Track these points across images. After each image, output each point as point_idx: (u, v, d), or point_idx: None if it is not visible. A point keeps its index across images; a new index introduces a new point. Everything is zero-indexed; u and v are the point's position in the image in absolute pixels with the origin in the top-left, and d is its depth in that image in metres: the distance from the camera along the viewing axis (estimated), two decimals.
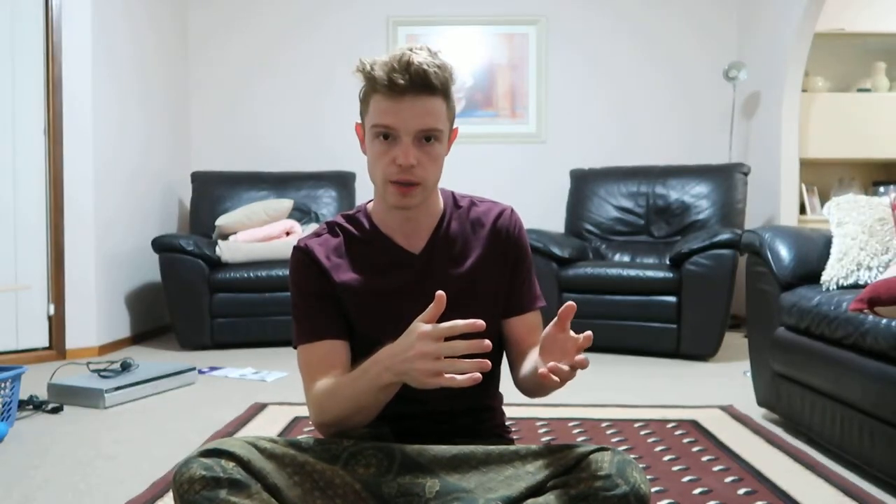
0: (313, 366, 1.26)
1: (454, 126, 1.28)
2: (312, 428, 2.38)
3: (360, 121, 1.28)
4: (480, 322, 1.03)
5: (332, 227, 1.33)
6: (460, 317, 1.25)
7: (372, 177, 1.25)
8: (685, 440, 2.29)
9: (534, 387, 1.25)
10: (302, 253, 1.30)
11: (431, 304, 1.07)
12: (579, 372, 1.12)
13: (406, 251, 1.29)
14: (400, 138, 1.18)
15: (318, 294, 1.28)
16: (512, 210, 1.36)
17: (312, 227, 4.27)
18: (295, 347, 1.30)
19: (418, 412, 1.28)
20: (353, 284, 1.28)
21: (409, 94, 1.16)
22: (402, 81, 1.15)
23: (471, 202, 1.36)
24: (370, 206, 1.34)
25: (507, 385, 1.37)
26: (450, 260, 1.29)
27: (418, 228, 1.29)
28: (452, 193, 1.36)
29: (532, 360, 1.22)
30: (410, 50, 1.18)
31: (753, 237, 2.52)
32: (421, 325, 1.06)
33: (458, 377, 1.02)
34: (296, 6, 4.95)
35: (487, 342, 1.03)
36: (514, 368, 1.32)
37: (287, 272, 1.35)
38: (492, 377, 1.37)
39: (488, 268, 1.30)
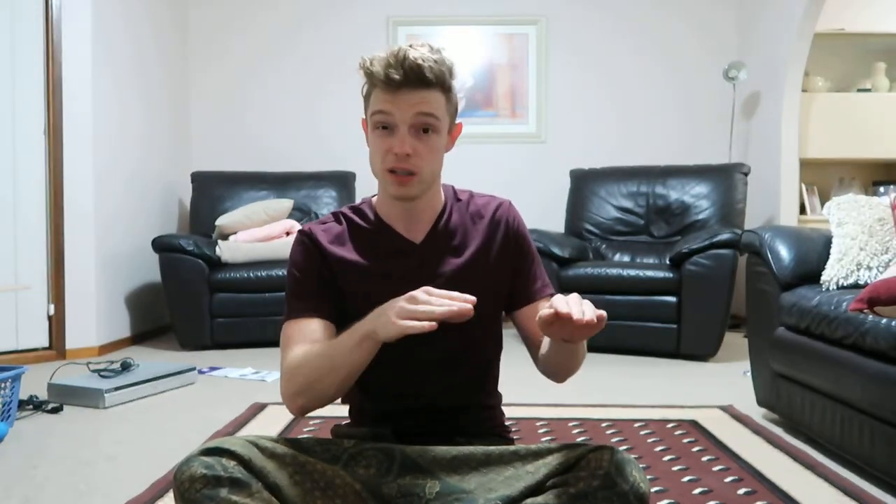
0: (294, 339, 1.24)
1: (457, 122, 1.29)
2: (313, 428, 2.39)
3: (364, 116, 1.30)
4: (472, 299, 1.07)
5: (336, 216, 1.36)
6: None
7: (372, 167, 1.27)
8: (685, 440, 2.29)
9: (556, 363, 1.26)
10: (305, 236, 1.32)
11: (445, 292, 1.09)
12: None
13: (407, 240, 1.31)
14: (397, 127, 1.20)
15: (315, 276, 1.29)
16: (510, 203, 1.39)
17: None
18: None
19: (417, 409, 1.28)
20: (354, 270, 1.29)
21: (404, 88, 1.18)
22: (396, 76, 1.17)
23: (470, 195, 1.39)
24: (374, 198, 1.37)
25: (506, 385, 1.37)
26: (449, 250, 1.31)
27: (420, 220, 1.31)
28: (453, 188, 1.39)
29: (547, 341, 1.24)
30: (410, 46, 1.20)
31: (753, 237, 2.52)
32: (424, 287, 1.10)
33: (418, 324, 1.04)
34: (296, 6, 4.95)
35: (472, 298, 1.07)
36: (535, 355, 1.33)
37: (286, 271, 1.36)
38: (490, 375, 1.38)
39: (487, 259, 1.32)
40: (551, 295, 1.36)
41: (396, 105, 1.19)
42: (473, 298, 1.07)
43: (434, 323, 1.04)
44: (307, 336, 1.24)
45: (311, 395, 1.20)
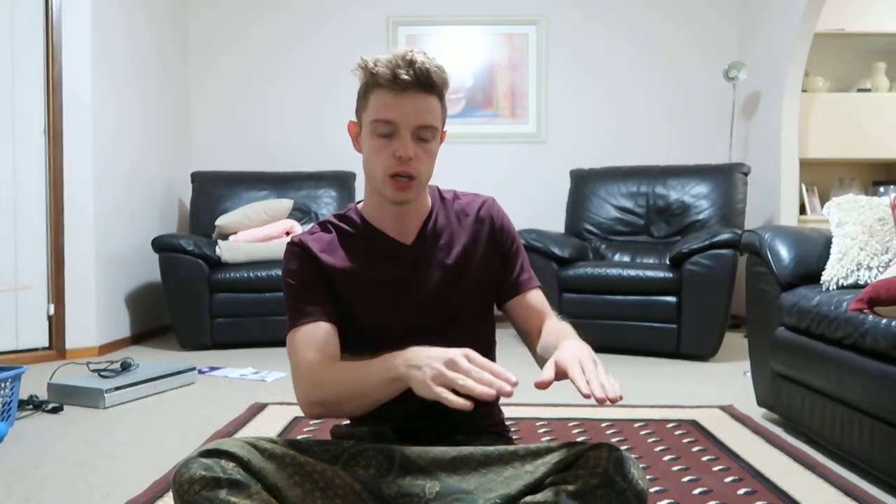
0: (306, 344, 1.25)
1: (444, 128, 1.31)
2: (313, 428, 2.39)
3: (354, 119, 1.31)
4: (514, 380, 0.99)
5: (324, 225, 1.36)
6: (449, 304, 1.31)
7: (369, 172, 1.27)
8: (685, 440, 2.29)
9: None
10: (297, 246, 1.32)
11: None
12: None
13: (398, 243, 1.32)
14: (399, 133, 1.21)
15: (314, 282, 1.29)
16: (493, 200, 1.42)
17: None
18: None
19: (415, 408, 1.28)
20: (349, 275, 1.30)
21: (410, 90, 1.20)
22: (405, 77, 1.19)
23: (454, 195, 1.41)
24: (360, 205, 1.37)
25: None
26: (439, 251, 1.33)
27: (409, 223, 1.33)
28: (437, 188, 1.40)
29: (547, 341, 1.26)
30: (411, 51, 1.22)
31: (753, 237, 2.52)
32: (465, 350, 1.04)
33: (453, 398, 0.98)
34: (296, 7, 4.96)
35: (514, 380, 0.99)
36: (532, 347, 1.35)
37: (283, 283, 1.35)
38: None
39: (474, 256, 1.35)
40: (539, 287, 1.40)
41: (400, 109, 1.20)
42: (515, 380, 0.98)
43: (471, 404, 0.97)
44: (317, 341, 1.25)
45: (332, 410, 1.21)
